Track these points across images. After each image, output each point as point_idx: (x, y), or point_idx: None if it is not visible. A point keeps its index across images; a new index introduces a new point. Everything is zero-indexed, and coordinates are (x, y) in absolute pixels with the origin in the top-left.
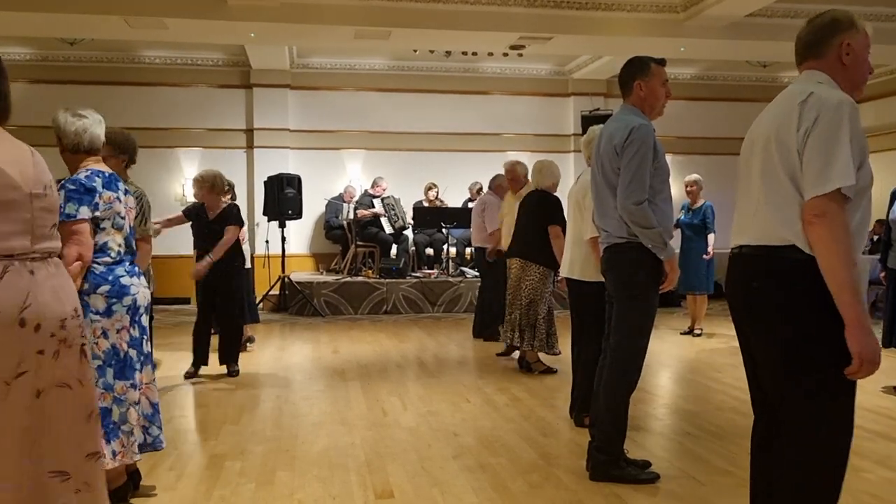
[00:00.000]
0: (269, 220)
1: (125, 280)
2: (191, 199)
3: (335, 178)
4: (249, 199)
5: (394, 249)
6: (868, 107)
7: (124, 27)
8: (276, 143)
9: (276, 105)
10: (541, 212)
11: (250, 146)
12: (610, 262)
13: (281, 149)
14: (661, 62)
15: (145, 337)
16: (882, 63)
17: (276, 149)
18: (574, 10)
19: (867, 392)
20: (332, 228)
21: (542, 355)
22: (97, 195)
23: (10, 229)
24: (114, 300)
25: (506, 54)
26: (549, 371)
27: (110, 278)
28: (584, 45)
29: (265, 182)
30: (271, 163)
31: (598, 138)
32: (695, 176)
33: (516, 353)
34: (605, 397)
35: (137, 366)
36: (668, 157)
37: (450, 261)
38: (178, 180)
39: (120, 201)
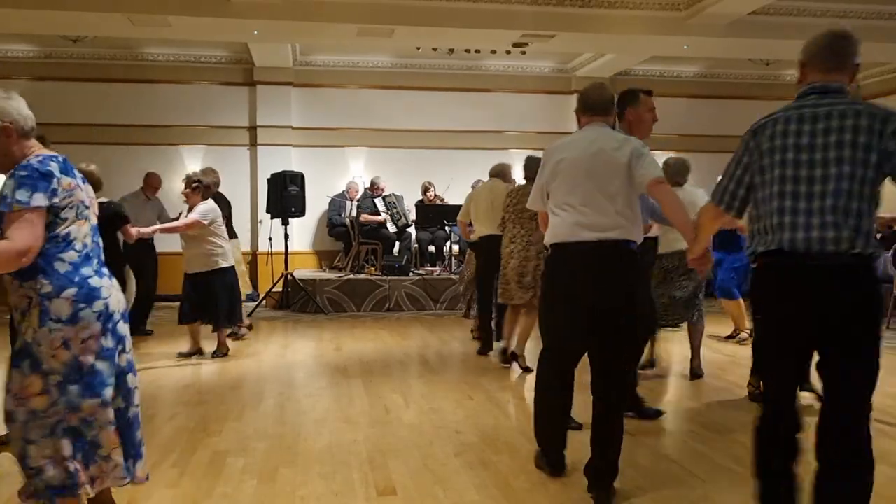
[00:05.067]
0: (272, 218)
1: (94, 281)
2: None
3: (338, 175)
4: (253, 196)
5: (396, 247)
6: None
7: (128, 25)
8: (279, 140)
9: (279, 102)
10: None
11: (253, 144)
12: None
13: (284, 146)
14: (649, 93)
15: (121, 348)
16: (883, 61)
17: (279, 146)
18: (577, 8)
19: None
20: (334, 226)
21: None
22: (55, 180)
23: None
24: (81, 305)
25: (509, 52)
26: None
27: (76, 279)
28: (586, 42)
29: (268, 179)
30: (274, 160)
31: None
32: None
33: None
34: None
35: (109, 380)
36: (671, 155)
37: (452, 258)
38: (181, 178)
39: (81, 189)
